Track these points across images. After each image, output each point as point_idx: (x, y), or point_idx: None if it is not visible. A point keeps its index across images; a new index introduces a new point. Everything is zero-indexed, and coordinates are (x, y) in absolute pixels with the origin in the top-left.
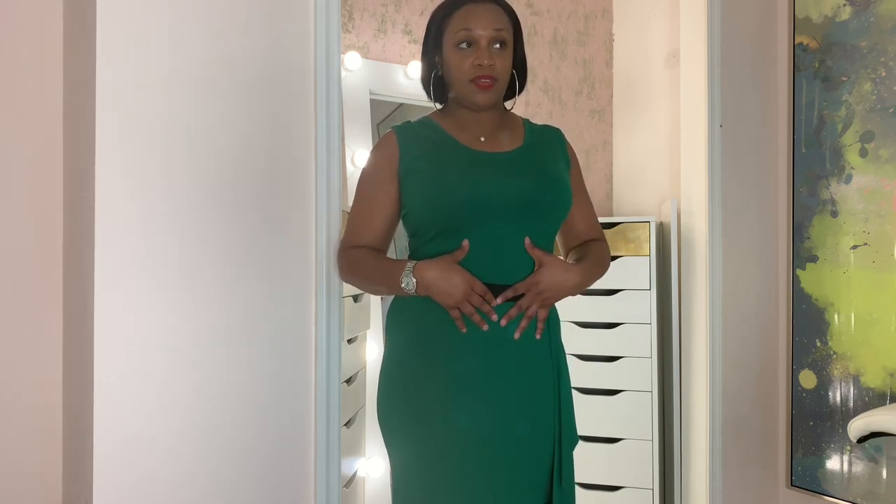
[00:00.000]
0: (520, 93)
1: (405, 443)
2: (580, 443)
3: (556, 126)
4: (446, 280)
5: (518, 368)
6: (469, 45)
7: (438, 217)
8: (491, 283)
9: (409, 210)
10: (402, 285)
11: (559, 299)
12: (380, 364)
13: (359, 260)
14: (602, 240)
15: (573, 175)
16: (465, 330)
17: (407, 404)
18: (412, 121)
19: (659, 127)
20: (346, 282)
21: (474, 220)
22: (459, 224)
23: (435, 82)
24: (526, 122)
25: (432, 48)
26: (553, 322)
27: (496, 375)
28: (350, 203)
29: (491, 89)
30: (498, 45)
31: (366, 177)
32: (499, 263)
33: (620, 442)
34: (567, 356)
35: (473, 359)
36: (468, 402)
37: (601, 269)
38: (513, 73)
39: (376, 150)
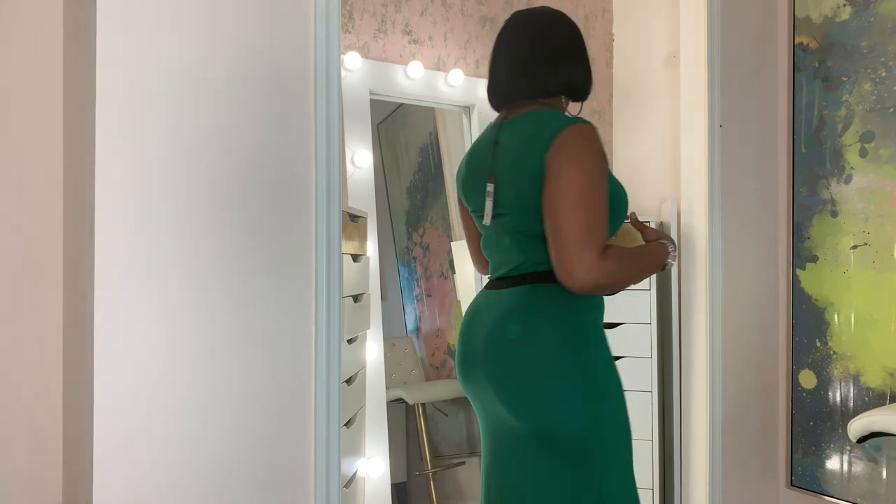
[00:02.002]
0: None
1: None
2: None
3: None
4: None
5: None
6: None
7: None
8: None
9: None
10: (671, 260)
11: None
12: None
13: (626, 257)
14: None
15: None
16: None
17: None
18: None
19: (659, 127)
20: (618, 286)
21: None
22: None
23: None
24: None
25: (580, 55)
26: None
27: None
28: (349, 203)
29: None
30: None
31: (601, 174)
32: None
33: None
34: None
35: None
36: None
37: None
38: None
39: (599, 148)
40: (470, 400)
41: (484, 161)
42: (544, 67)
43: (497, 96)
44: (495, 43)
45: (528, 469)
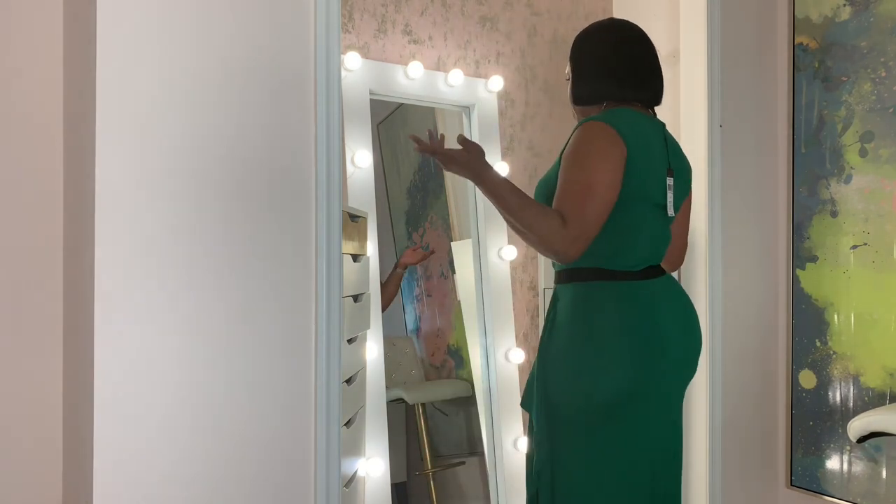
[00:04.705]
0: (581, 103)
1: None
2: None
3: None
4: None
5: None
6: None
7: None
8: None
9: None
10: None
11: (449, 164)
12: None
13: None
14: (554, 210)
15: (563, 156)
16: None
17: None
18: None
19: None
20: None
21: None
22: None
23: None
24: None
25: None
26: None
27: None
28: (349, 203)
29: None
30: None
31: None
32: None
33: None
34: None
35: None
36: None
37: (516, 204)
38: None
39: None
40: (679, 387)
41: (660, 152)
42: None
43: (646, 93)
44: (628, 41)
45: None
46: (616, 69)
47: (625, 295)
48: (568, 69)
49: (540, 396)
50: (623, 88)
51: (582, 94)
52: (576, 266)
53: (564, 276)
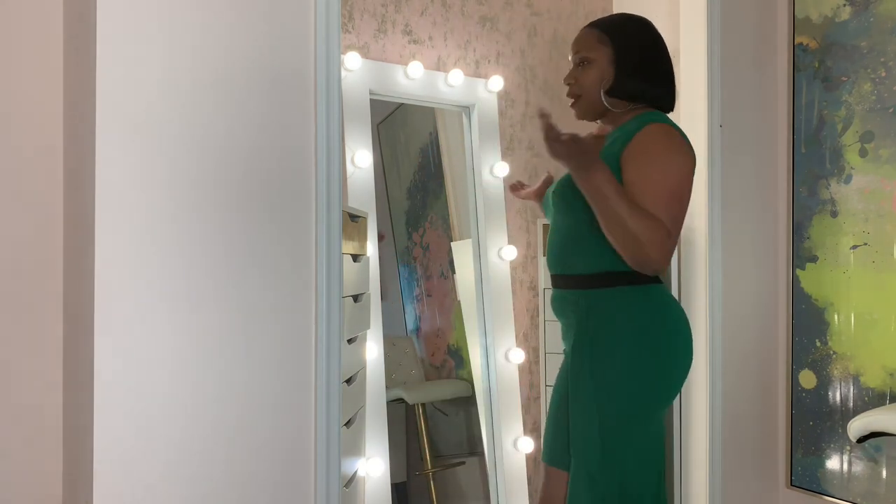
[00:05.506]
0: (617, 97)
1: None
2: None
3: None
4: None
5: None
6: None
7: None
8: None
9: None
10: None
11: (560, 151)
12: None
13: None
14: (659, 218)
15: (625, 156)
16: None
17: None
18: None
19: None
20: None
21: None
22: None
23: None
24: (630, 120)
25: None
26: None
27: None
28: (349, 203)
29: (574, 104)
30: (582, 65)
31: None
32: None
33: None
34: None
35: None
36: None
37: (621, 206)
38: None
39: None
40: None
41: None
42: None
43: (669, 101)
44: (662, 44)
45: None
46: (664, 71)
47: (664, 296)
48: (590, 52)
49: (595, 401)
50: (661, 91)
51: (624, 88)
52: (612, 270)
53: (598, 281)
